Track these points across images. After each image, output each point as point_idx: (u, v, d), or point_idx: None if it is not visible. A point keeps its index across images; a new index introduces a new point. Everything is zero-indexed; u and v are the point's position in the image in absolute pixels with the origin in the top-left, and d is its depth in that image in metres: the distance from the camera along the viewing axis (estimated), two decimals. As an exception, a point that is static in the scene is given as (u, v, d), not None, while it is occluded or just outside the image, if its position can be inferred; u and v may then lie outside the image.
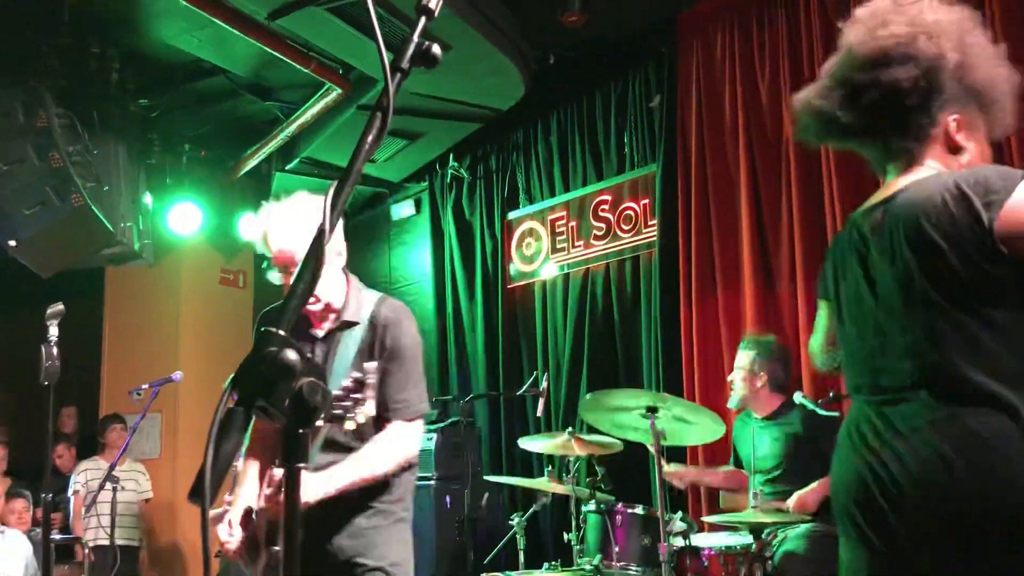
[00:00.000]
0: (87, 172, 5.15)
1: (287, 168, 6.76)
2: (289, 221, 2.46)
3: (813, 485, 3.74)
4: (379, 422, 2.43)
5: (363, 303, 2.57)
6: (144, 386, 5.06)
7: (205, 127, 6.66)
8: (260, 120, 6.48)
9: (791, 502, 3.73)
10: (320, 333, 2.58)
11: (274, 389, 1.04)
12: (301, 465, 1.07)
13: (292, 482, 1.07)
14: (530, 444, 4.44)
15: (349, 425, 2.24)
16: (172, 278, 7.22)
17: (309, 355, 2.45)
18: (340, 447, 2.44)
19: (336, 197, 1.14)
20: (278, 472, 2.29)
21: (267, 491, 2.32)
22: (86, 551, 5.56)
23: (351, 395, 2.23)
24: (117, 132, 5.67)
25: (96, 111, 5.37)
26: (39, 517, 5.58)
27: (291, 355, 1.05)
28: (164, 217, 6.66)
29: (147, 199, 6.37)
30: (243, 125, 6.58)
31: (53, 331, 3.35)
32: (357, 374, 2.27)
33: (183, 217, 6.69)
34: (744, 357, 4.13)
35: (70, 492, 6.13)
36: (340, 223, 2.68)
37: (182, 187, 6.72)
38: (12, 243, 5.05)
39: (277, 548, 2.38)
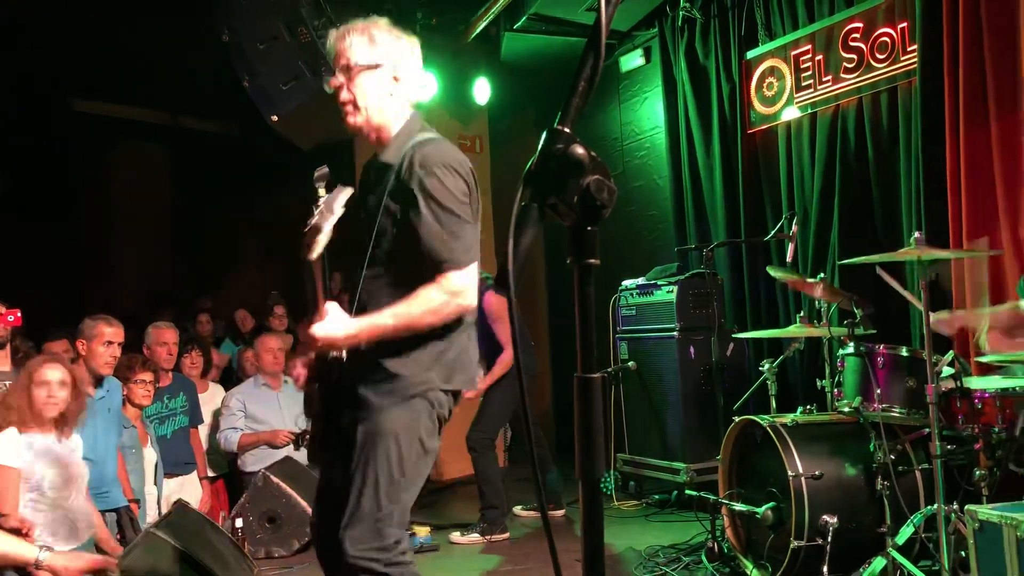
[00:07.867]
0: (332, 45, 5.40)
1: (515, 27, 6.74)
2: (358, 30, 2.44)
3: None
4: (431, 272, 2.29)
5: (405, 144, 2.40)
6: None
7: (434, -8, 6.74)
8: (486, -20, 6.47)
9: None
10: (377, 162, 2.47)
11: (564, 185, 1.05)
12: (592, 261, 1.07)
13: (584, 279, 1.08)
14: (778, 273, 4.31)
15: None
16: (414, 146, 7.47)
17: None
18: None
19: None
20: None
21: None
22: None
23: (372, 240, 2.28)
24: (356, 4, 5.86)
25: (335, -15, 5.57)
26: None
27: (579, 150, 1.04)
28: (402, 86, 6.88)
29: (386, 69, 6.60)
30: (470, -13, 6.61)
31: (321, 191, 3.59)
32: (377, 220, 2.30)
33: (420, 85, 6.86)
34: None
35: None
36: (391, 37, 2.46)
37: (417, 55, 6.87)
38: (274, 118, 5.45)
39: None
